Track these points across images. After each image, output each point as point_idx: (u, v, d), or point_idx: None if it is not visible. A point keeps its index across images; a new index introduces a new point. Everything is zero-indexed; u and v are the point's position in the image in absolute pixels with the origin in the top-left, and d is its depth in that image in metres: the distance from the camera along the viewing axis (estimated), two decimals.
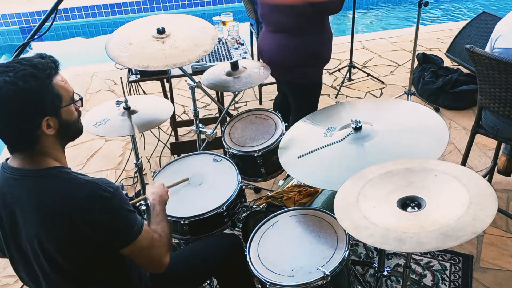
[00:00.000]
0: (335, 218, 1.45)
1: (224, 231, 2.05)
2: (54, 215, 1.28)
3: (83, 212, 1.27)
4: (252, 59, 3.21)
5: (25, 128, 1.28)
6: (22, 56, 1.35)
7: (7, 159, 1.38)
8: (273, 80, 3.06)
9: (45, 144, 1.32)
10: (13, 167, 1.33)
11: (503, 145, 2.80)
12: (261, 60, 2.75)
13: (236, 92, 2.49)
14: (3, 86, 1.22)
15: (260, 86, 3.91)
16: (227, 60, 2.86)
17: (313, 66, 2.66)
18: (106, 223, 1.30)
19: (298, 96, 2.77)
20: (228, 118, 2.64)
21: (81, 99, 1.40)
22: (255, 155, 2.27)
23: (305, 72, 2.63)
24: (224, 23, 3.27)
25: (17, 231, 1.34)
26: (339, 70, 4.37)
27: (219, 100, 3.09)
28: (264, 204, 2.03)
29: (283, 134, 2.27)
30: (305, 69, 2.62)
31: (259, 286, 1.85)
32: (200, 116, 2.89)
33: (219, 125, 2.62)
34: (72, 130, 1.38)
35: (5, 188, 1.33)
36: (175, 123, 3.42)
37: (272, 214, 1.85)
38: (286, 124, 2.39)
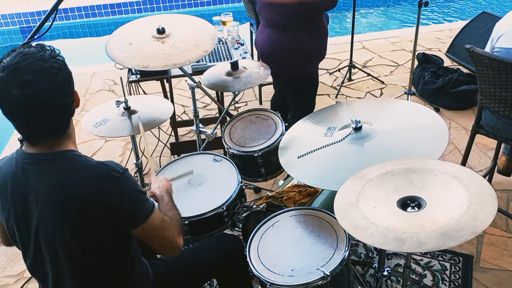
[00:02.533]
0: (335, 218, 1.45)
1: (224, 231, 2.05)
2: (67, 198, 1.30)
3: (94, 193, 1.29)
4: (252, 59, 3.21)
5: (70, 104, 1.34)
6: None
7: (21, 146, 1.40)
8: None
9: (71, 125, 1.37)
10: (27, 152, 1.35)
11: (503, 145, 2.80)
12: (256, 54, 2.79)
13: (236, 92, 2.49)
14: (51, 67, 1.26)
15: (260, 86, 3.91)
16: (227, 60, 2.86)
17: (304, 62, 2.67)
18: (117, 202, 1.32)
19: (293, 92, 2.82)
20: (228, 118, 2.64)
21: None
22: (255, 155, 2.27)
23: (296, 67, 2.66)
24: (224, 23, 3.27)
25: (30, 216, 1.35)
26: (339, 70, 4.37)
27: (219, 100, 3.09)
28: (264, 204, 2.03)
29: (283, 134, 2.27)
30: (295, 64, 2.64)
31: (259, 286, 1.85)
32: (200, 116, 2.89)
33: (219, 125, 2.62)
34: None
35: (19, 173, 1.34)
36: (175, 123, 3.42)
37: (272, 214, 1.85)
38: (286, 124, 2.39)
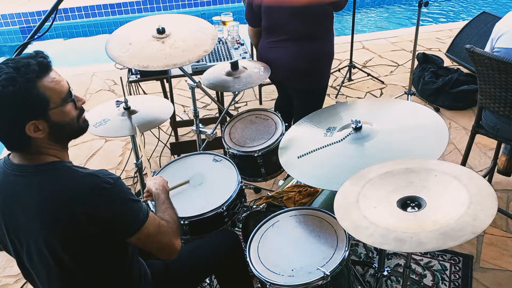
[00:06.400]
0: (335, 218, 1.45)
1: (223, 229, 2.05)
2: (56, 210, 1.27)
3: (84, 205, 1.27)
4: (252, 59, 3.21)
5: (11, 131, 1.27)
6: (23, 56, 1.34)
7: (9, 154, 1.37)
8: None
9: (39, 144, 1.30)
10: (14, 163, 1.33)
11: (503, 145, 2.80)
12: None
13: (236, 92, 2.49)
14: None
15: (260, 86, 3.91)
16: (227, 60, 2.86)
17: (328, 68, 2.68)
18: (109, 214, 1.29)
19: (311, 99, 2.72)
20: (228, 118, 2.64)
21: (72, 100, 1.34)
22: (255, 155, 2.27)
23: (323, 75, 2.65)
24: (224, 23, 3.27)
25: (20, 227, 1.34)
26: (339, 70, 4.37)
27: (219, 100, 3.09)
28: (264, 204, 2.03)
29: (283, 134, 2.27)
30: (324, 72, 2.64)
31: (259, 286, 1.85)
32: (200, 116, 2.89)
33: (219, 125, 2.62)
34: (68, 130, 1.35)
35: (6, 184, 1.33)
36: (175, 123, 3.42)
37: (272, 214, 1.86)
38: (286, 124, 2.39)
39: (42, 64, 1.27)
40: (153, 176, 1.86)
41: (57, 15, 1.93)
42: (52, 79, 1.28)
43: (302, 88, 2.68)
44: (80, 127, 1.40)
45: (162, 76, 2.95)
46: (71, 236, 1.30)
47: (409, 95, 3.64)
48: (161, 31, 2.25)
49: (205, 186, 2.08)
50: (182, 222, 1.91)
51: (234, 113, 2.79)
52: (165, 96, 3.33)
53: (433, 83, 3.73)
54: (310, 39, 2.53)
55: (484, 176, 2.69)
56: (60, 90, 1.30)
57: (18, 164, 1.33)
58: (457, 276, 2.34)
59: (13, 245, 1.40)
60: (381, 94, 4.02)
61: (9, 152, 1.38)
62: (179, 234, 1.49)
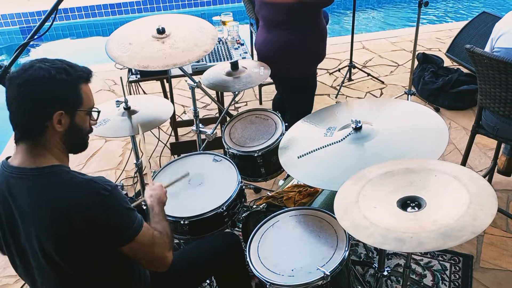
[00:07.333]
0: (335, 218, 1.45)
1: (224, 231, 2.05)
2: (52, 214, 1.28)
3: (80, 211, 1.27)
4: (252, 59, 3.21)
5: (38, 112, 1.32)
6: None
7: (8, 158, 1.39)
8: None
9: (50, 138, 1.34)
10: (13, 165, 1.34)
11: (503, 145, 2.80)
12: (256, 54, 2.81)
13: (236, 92, 2.49)
14: (37, 68, 1.31)
15: (260, 86, 3.91)
16: (227, 60, 2.86)
17: (301, 62, 2.67)
18: (104, 221, 1.30)
19: (290, 92, 2.83)
20: (228, 118, 2.64)
21: (98, 112, 1.48)
22: (255, 155, 2.27)
23: (292, 66, 2.66)
24: (224, 23, 3.28)
25: (16, 230, 1.34)
26: (339, 70, 4.37)
27: (219, 100, 3.09)
28: (264, 204, 2.03)
29: (283, 134, 2.27)
30: (292, 63, 2.64)
31: (259, 286, 1.85)
32: (200, 116, 2.89)
33: (219, 125, 2.62)
34: (78, 138, 1.44)
35: (4, 186, 1.33)
36: (175, 123, 3.42)
37: (272, 214, 1.86)
38: (286, 124, 2.39)
39: (89, 73, 1.44)
40: (152, 177, 1.85)
41: (57, 15, 1.92)
42: (90, 89, 1.45)
43: (279, 77, 2.77)
44: (85, 141, 1.50)
45: (162, 76, 2.95)
46: (66, 240, 1.30)
47: (409, 95, 3.64)
48: (161, 31, 2.25)
49: (205, 186, 2.08)
50: (182, 222, 1.91)
51: (234, 113, 2.79)
52: (165, 96, 3.33)
53: (433, 83, 3.73)
54: (280, 30, 2.58)
55: (484, 176, 2.69)
56: (91, 100, 1.45)
57: (17, 166, 1.33)
58: (457, 276, 2.34)
59: (8, 247, 1.40)
60: (381, 94, 4.02)
61: (7, 156, 1.39)
62: (172, 247, 1.49)
